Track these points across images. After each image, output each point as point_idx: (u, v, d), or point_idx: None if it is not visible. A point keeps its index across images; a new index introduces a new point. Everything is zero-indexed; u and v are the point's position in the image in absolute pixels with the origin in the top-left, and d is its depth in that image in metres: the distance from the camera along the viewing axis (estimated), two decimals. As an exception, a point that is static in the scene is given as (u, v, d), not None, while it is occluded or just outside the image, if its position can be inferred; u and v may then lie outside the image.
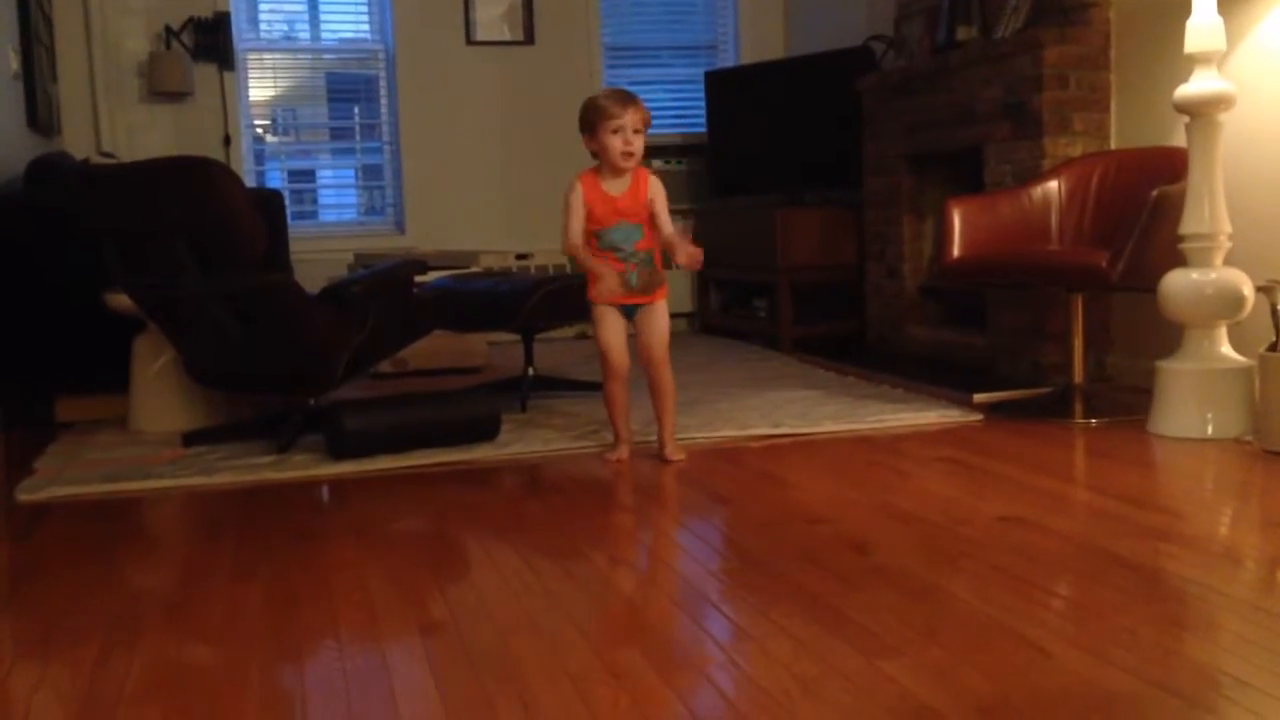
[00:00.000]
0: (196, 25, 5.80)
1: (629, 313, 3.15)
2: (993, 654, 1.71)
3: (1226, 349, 3.22)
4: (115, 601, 2.14)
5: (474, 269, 5.09)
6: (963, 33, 4.59)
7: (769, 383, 4.34)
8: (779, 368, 4.78)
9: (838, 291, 5.54)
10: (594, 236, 3.11)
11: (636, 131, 3.07)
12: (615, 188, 3.10)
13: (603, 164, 3.11)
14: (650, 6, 6.75)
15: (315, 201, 6.52)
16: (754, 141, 6.05)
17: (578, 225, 3.11)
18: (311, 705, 1.64)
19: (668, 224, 3.12)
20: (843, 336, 5.38)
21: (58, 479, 3.10)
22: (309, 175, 6.55)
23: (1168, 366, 3.25)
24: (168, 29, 5.76)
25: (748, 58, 6.62)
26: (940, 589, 2.02)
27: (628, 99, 3.09)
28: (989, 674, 1.64)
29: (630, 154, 3.06)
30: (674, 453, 3.17)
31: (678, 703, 1.60)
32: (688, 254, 3.03)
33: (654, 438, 3.23)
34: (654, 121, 3.21)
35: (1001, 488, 2.74)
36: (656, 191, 3.12)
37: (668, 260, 3.13)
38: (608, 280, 3.08)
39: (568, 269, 6.03)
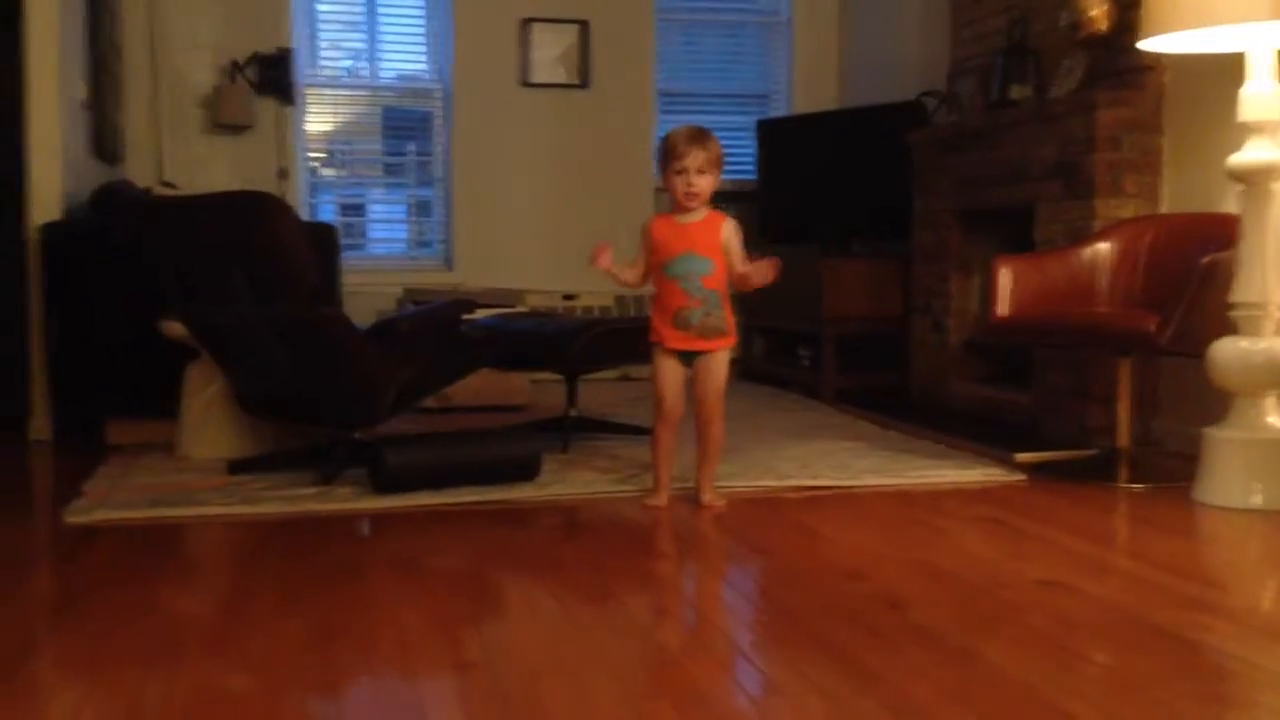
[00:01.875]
0: (260, 60, 5.93)
1: (688, 359, 3.16)
2: (1026, 721, 1.70)
3: (1274, 419, 3.19)
4: (157, 627, 2.18)
5: (520, 308, 5.14)
6: (1016, 91, 4.60)
7: (809, 433, 4.34)
8: (820, 418, 4.77)
9: (882, 343, 5.53)
10: (663, 269, 3.13)
11: (700, 172, 3.10)
12: (687, 218, 3.14)
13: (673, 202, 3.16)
14: (706, 54, 6.82)
15: (365, 235, 6.61)
16: (804, 191, 6.08)
17: (640, 261, 3.19)
18: (345, 741, 1.66)
19: (740, 263, 3.15)
20: (886, 389, 5.36)
21: (105, 502, 3.16)
22: (360, 209, 6.65)
23: (1214, 434, 3.21)
24: (233, 63, 5.89)
25: (800, 108, 6.66)
26: (974, 652, 2.01)
27: (694, 138, 3.12)
28: (1022, 742, 1.63)
29: (693, 194, 3.10)
30: (711, 499, 3.18)
31: (707, 756, 1.60)
32: (763, 269, 3.10)
33: (693, 484, 3.23)
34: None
35: (1042, 551, 2.73)
36: (731, 234, 3.16)
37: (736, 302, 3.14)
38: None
39: (613, 311, 6.08)
